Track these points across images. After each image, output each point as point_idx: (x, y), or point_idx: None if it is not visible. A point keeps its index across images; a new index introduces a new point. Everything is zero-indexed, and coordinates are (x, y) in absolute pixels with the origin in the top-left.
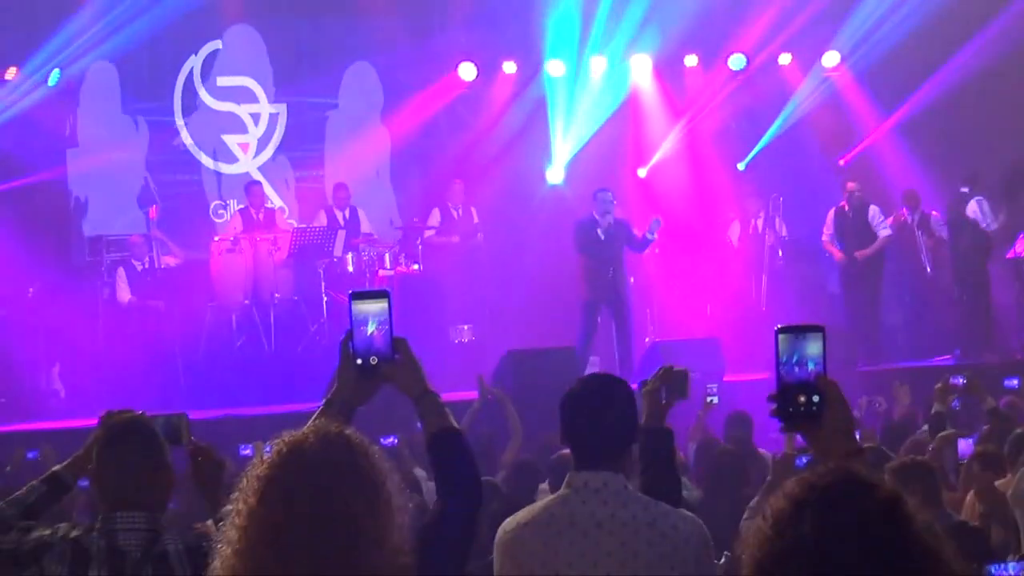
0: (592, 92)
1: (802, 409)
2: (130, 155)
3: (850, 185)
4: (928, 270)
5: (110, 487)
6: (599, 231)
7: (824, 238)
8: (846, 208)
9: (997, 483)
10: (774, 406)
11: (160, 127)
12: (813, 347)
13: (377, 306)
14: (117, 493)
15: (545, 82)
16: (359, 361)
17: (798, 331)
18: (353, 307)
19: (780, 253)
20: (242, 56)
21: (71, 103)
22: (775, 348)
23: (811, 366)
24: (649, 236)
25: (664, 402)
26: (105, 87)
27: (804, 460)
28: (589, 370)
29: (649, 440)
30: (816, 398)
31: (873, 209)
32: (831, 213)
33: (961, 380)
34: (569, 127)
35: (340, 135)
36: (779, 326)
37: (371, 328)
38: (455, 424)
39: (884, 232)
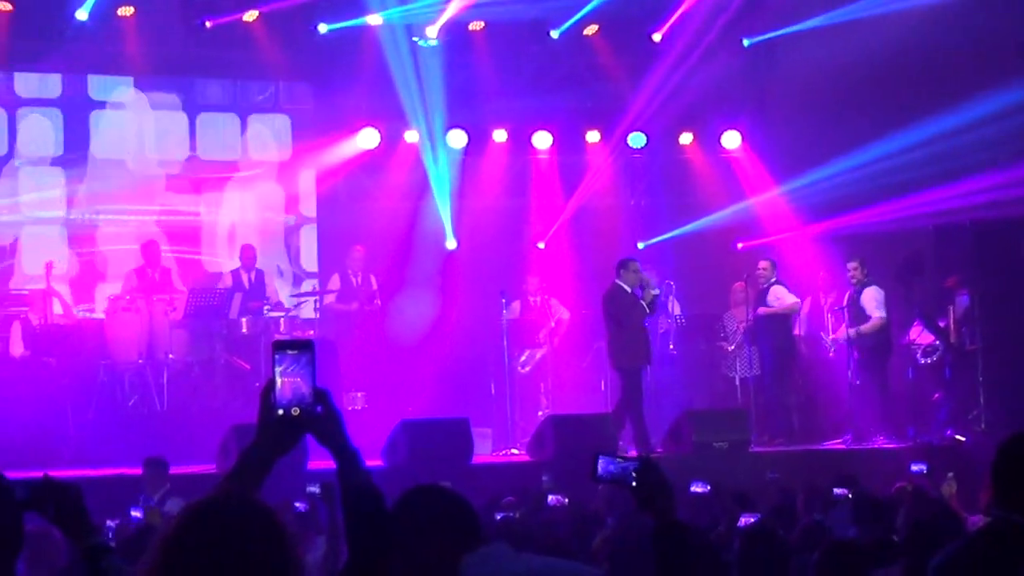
0: (487, 164)
1: None
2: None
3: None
4: (831, 354)
5: None
6: (644, 303)
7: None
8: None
9: None
10: None
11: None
12: None
13: (300, 356)
14: None
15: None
16: (280, 412)
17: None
18: (276, 356)
19: (671, 338)
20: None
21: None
22: None
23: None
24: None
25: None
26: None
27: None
28: (480, 442)
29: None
30: None
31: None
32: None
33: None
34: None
35: (244, 197)
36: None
37: (293, 378)
38: (373, 483)
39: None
